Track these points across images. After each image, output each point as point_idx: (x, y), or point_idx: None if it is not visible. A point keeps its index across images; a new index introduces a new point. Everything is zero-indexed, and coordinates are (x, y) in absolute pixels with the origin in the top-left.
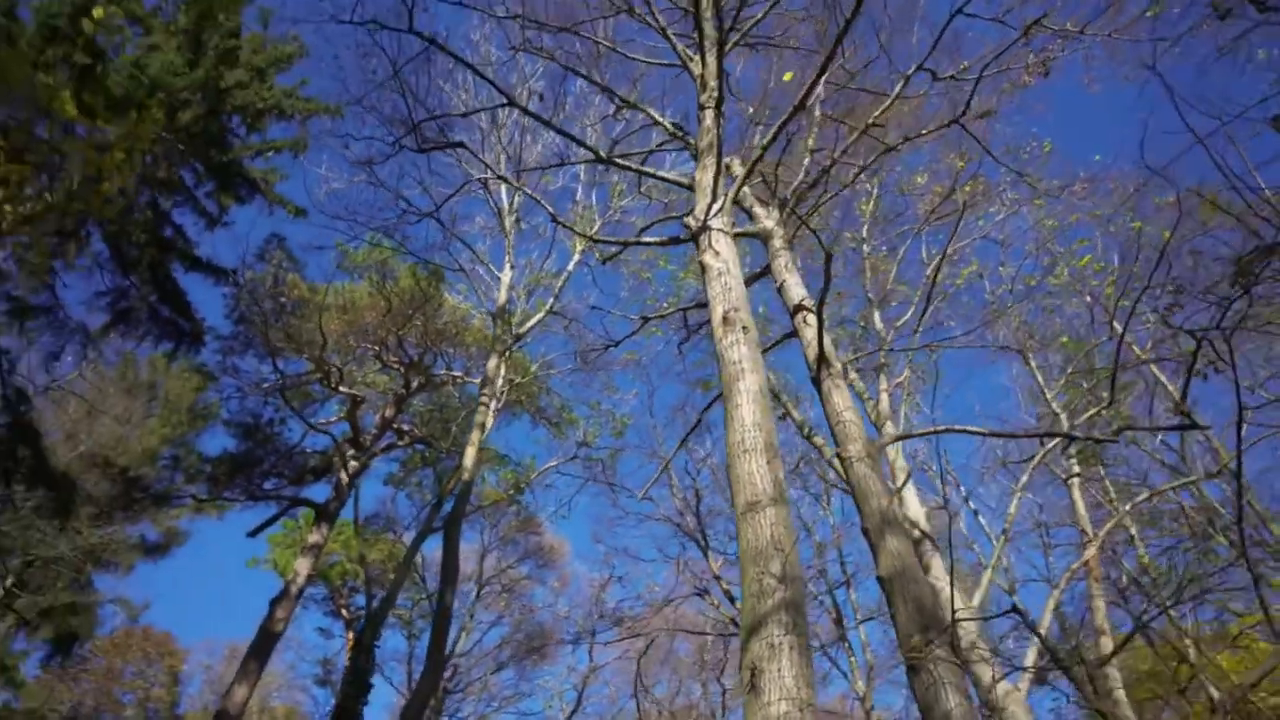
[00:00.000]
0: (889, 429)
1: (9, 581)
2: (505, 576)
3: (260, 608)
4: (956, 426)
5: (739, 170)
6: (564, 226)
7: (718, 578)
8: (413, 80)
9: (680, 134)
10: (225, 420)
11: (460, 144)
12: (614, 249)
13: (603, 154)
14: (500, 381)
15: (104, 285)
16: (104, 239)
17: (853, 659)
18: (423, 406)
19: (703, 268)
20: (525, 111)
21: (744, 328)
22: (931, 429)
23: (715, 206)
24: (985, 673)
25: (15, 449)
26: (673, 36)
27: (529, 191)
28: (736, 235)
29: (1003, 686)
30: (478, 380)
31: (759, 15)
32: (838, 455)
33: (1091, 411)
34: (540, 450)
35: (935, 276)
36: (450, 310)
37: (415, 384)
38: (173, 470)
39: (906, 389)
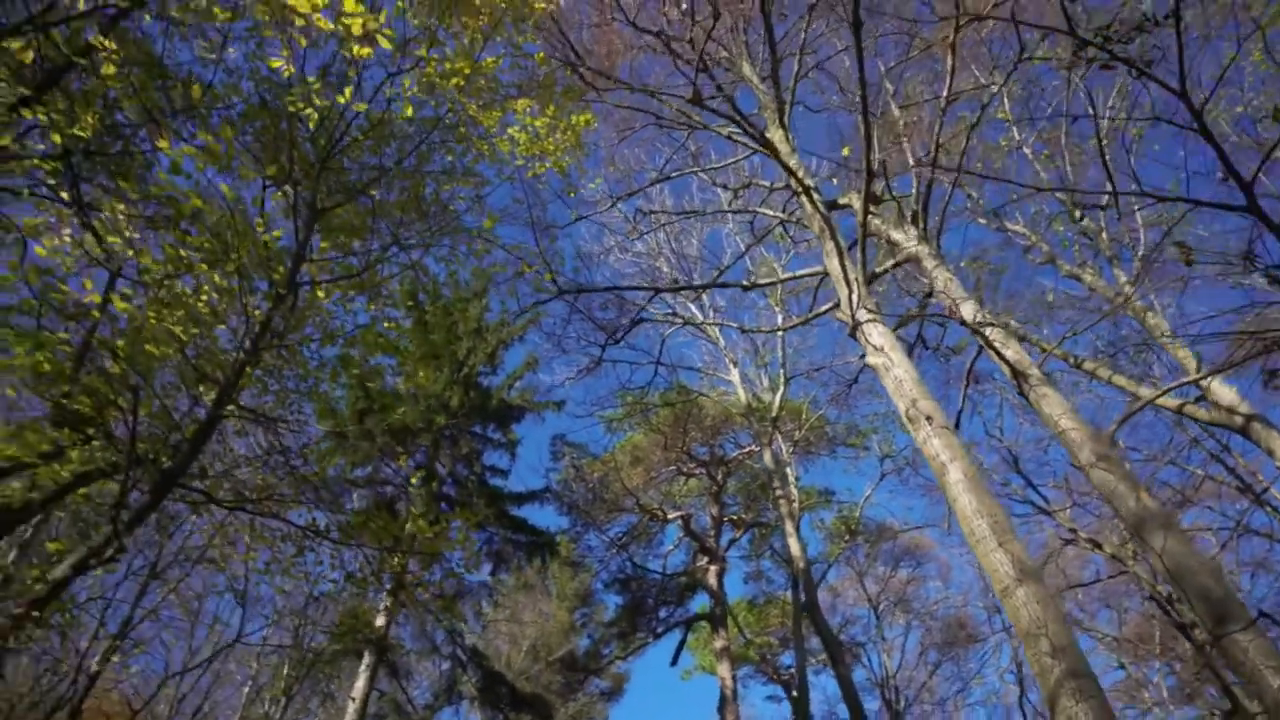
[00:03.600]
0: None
1: None
2: (891, 589)
3: (711, 699)
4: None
5: (858, 205)
6: (749, 332)
7: (1073, 530)
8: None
9: (791, 216)
10: (603, 584)
11: (642, 320)
12: (800, 322)
13: (745, 283)
14: (785, 455)
15: (478, 543)
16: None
17: None
18: (737, 484)
19: (870, 368)
20: (669, 290)
21: (928, 417)
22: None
23: (855, 298)
24: None
25: (494, 689)
26: (741, 140)
27: (711, 321)
28: (885, 272)
29: None
30: (762, 447)
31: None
32: (1074, 465)
33: None
34: (852, 480)
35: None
36: (711, 406)
37: (720, 475)
38: (587, 635)
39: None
